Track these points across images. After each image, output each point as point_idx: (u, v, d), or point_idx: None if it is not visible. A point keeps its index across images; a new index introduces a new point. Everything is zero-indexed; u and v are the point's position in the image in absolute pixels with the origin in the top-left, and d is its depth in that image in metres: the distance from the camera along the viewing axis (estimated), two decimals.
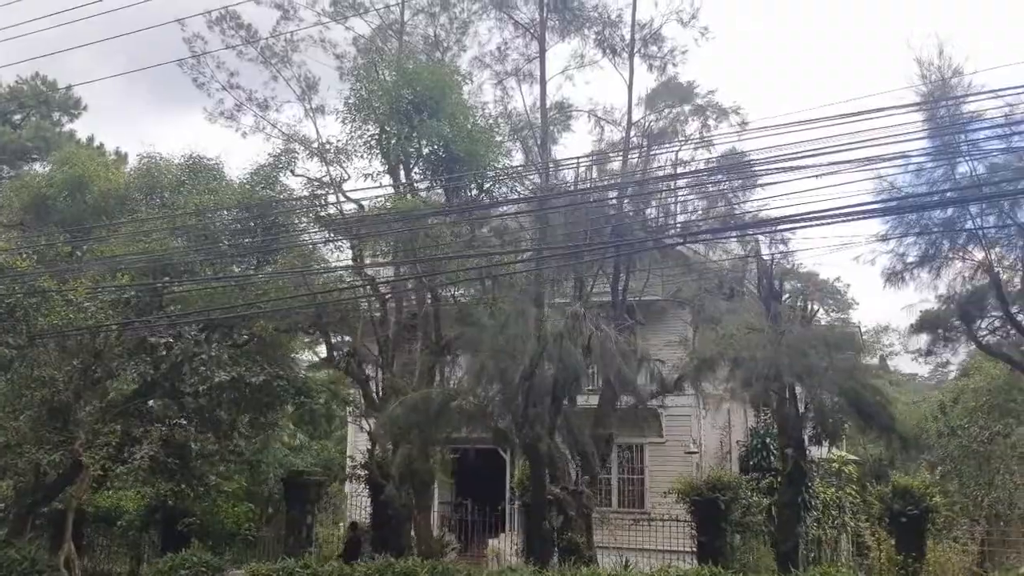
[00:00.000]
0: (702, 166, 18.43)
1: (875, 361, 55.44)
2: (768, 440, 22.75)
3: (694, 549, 18.15)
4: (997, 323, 14.34)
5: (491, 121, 17.72)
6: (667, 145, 18.10)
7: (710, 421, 24.05)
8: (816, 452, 22.93)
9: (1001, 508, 27.88)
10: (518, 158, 18.98)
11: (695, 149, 18.92)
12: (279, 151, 17.35)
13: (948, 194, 12.37)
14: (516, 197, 17.18)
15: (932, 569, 16.77)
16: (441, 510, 26.50)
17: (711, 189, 17.07)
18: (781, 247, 18.40)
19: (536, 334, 13.63)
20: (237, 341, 17.24)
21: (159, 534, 21.51)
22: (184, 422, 17.29)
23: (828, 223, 12.90)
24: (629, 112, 18.80)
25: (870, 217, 12.69)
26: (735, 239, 17.74)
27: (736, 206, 16.79)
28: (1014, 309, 13.90)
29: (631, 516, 22.33)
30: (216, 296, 16.73)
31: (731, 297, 17.33)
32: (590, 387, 19.13)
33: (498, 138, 17.66)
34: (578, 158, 17.88)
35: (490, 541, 23.32)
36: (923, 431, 32.10)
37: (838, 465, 24.94)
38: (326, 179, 17.39)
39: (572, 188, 17.22)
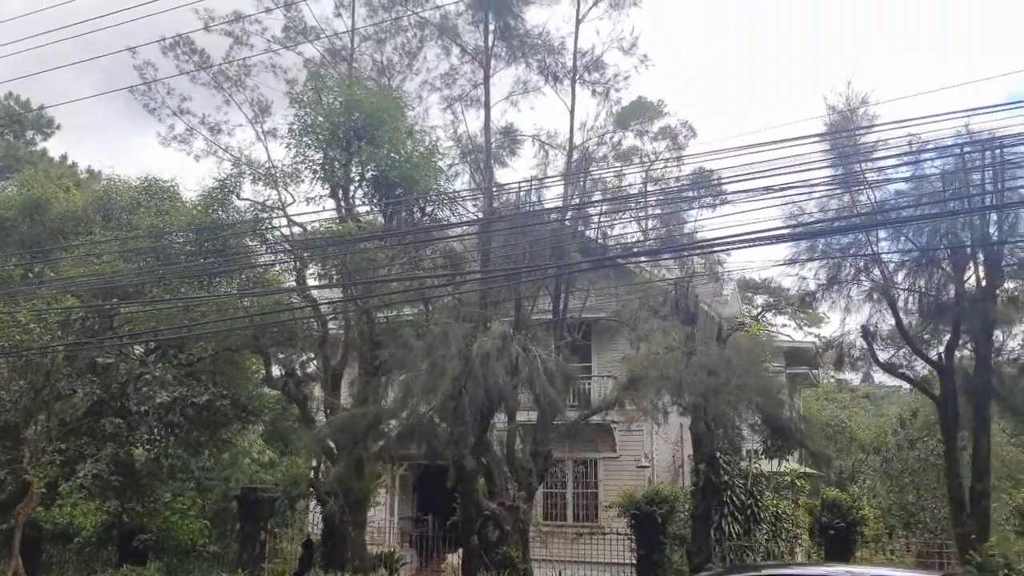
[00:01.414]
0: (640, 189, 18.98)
1: (850, 374, 55.92)
2: (718, 454, 23.17)
3: (634, 562, 18.60)
4: (898, 342, 14.82)
5: (432, 146, 18.18)
6: (603, 170, 18.63)
7: (663, 436, 24.50)
8: (767, 465, 23.44)
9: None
10: (462, 182, 19.49)
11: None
12: (225, 175, 17.76)
13: (853, 220, 12.90)
14: (455, 221, 17.66)
15: None
16: (402, 525, 26.91)
17: (644, 212, 17.66)
18: (720, 268, 19.04)
19: (463, 355, 14.05)
20: (183, 361, 17.62)
21: (116, 551, 21.82)
22: (133, 440, 17.66)
23: (743, 247, 13.44)
24: (571, 137, 19.36)
25: (783, 242, 13.25)
26: (669, 259, 18.22)
27: (668, 228, 17.33)
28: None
29: (576, 530, 22.78)
30: (162, 317, 17.14)
31: (669, 316, 17.78)
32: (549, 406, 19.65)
33: (440, 163, 18.13)
34: (519, 182, 18.43)
35: (448, 556, 23.64)
36: (882, 444, 32.71)
37: (791, 478, 25.33)
38: (271, 202, 17.81)
39: (512, 212, 17.76)
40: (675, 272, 18.69)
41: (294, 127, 17.21)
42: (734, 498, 22.16)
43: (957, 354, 13.76)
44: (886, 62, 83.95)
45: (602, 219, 17.58)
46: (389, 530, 25.80)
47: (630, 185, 18.24)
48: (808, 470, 30.13)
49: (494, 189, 18.20)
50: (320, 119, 16.76)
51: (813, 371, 30.14)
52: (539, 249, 17.00)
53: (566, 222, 17.93)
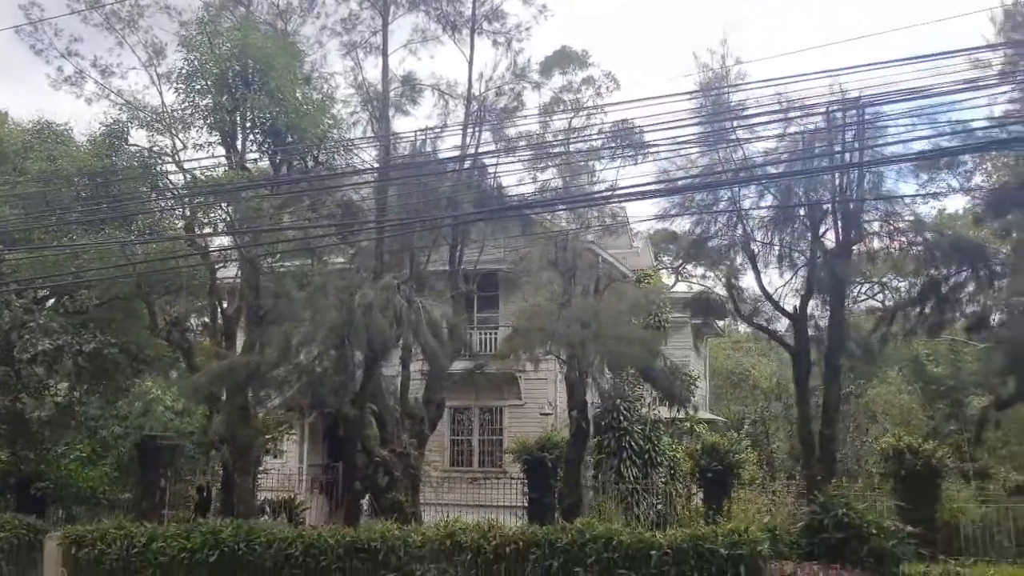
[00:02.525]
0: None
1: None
2: (618, 401, 23.88)
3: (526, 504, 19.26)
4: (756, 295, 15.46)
5: (328, 94, 18.01)
6: (504, 121, 18.75)
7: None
8: (666, 412, 24.27)
9: (850, 464, 29.96)
10: (362, 130, 19.33)
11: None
12: (112, 121, 17.34)
13: (717, 177, 13.35)
14: (348, 170, 17.61)
15: (731, 518, 18.10)
16: (312, 472, 27.22)
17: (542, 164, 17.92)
18: (613, 220, 19.42)
19: (346, 305, 14.20)
20: (70, 309, 17.39)
21: (14, 499, 21.66)
22: (20, 388, 17.48)
23: (622, 201, 13.77)
24: (469, 87, 19.31)
25: (649, 197, 13.63)
26: (561, 210, 18.51)
27: (564, 179, 17.62)
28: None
29: (473, 475, 23.43)
30: (48, 265, 16.86)
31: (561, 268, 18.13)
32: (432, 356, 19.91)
33: (338, 111, 18.01)
34: (416, 131, 18.45)
35: (361, 502, 24.09)
36: (783, 391, 34.05)
37: (690, 424, 26.25)
38: (161, 149, 17.47)
39: (408, 162, 17.81)
40: (573, 224, 19.00)
41: (183, 71, 16.85)
42: (632, 443, 22.98)
43: (812, 307, 14.43)
44: (777, 16, 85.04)
45: (498, 170, 17.71)
46: (299, 477, 26.13)
47: (524, 135, 18.37)
48: (713, 417, 31.28)
49: (390, 138, 18.15)
50: (208, 64, 16.42)
51: (719, 321, 30.99)
52: (434, 199, 17.09)
53: (463, 172, 18.01)
